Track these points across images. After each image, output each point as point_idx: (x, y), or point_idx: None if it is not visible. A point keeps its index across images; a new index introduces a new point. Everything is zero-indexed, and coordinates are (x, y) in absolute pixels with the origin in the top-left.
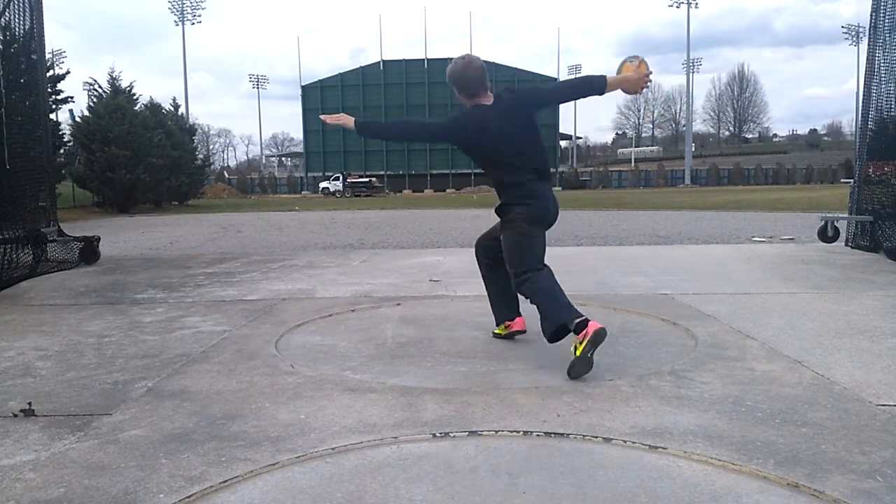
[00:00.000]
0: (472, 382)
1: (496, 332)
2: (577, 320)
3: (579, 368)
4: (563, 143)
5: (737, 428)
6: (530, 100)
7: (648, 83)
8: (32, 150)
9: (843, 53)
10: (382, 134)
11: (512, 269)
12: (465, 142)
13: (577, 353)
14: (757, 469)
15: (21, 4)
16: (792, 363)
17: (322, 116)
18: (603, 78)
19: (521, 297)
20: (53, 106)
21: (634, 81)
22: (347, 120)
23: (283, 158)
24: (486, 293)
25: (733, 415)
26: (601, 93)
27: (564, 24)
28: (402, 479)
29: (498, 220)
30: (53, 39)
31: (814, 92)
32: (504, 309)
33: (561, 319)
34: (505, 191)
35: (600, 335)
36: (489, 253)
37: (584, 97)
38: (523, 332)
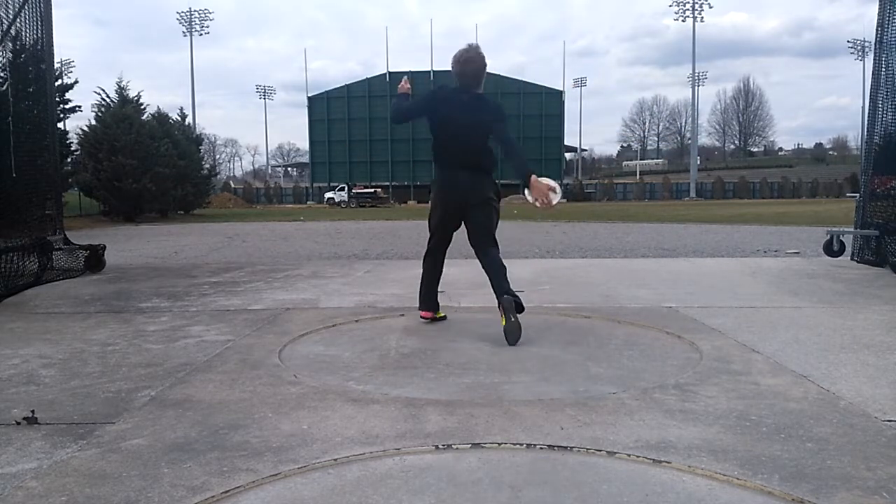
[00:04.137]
0: (476, 394)
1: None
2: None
3: None
4: (568, 156)
5: (742, 442)
6: (494, 117)
7: (540, 203)
8: (39, 158)
9: (849, 67)
10: (403, 116)
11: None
12: (430, 113)
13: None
14: (762, 484)
15: (31, 14)
16: (797, 377)
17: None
18: (528, 171)
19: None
20: (61, 115)
21: (536, 191)
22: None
23: (289, 168)
24: (491, 304)
25: (738, 429)
26: (521, 178)
27: (570, 36)
28: (404, 490)
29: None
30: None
31: (820, 105)
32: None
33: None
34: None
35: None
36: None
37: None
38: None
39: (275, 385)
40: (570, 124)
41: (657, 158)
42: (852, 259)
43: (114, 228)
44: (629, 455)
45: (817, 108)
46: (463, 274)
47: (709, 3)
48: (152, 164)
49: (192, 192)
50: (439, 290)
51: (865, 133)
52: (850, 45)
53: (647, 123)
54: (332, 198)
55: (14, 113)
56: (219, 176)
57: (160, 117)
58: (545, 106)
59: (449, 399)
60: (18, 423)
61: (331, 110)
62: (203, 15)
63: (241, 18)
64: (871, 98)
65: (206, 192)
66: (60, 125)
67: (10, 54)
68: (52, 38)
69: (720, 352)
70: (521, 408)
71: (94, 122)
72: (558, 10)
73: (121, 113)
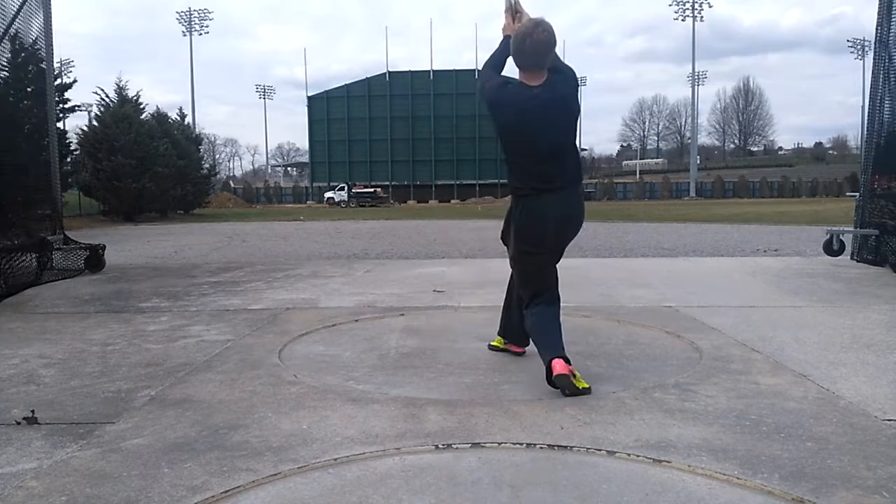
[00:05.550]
0: (476, 394)
1: (492, 343)
2: (550, 360)
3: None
4: None
5: (742, 442)
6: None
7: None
8: (39, 158)
9: (849, 66)
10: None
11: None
12: (496, 119)
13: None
14: (762, 484)
15: (30, 13)
16: (797, 377)
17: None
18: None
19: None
20: (61, 115)
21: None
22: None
23: (289, 168)
24: (491, 304)
25: (738, 428)
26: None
27: (570, 34)
28: (404, 490)
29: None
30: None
31: (821, 104)
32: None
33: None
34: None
35: (561, 380)
36: None
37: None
38: (520, 353)
39: (274, 385)
40: None
41: (657, 158)
42: (852, 258)
43: (113, 228)
44: (629, 455)
45: (818, 107)
46: (463, 274)
47: (709, 3)
48: (152, 164)
49: (191, 191)
50: (439, 289)
51: (865, 132)
52: (850, 44)
53: (647, 123)
54: (332, 197)
55: (14, 112)
56: (218, 176)
57: (159, 117)
58: None
59: (449, 399)
60: (18, 423)
61: (331, 110)
62: (203, 14)
63: (241, 18)
64: (871, 97)
65: (206, 192)
66: (60, 125)
67: (9, 54)
68: (51, 36)
69: (720, 351)
70: (521, 407)
71: (94, 121)
72: (559, 9)
73: (120, 112)
